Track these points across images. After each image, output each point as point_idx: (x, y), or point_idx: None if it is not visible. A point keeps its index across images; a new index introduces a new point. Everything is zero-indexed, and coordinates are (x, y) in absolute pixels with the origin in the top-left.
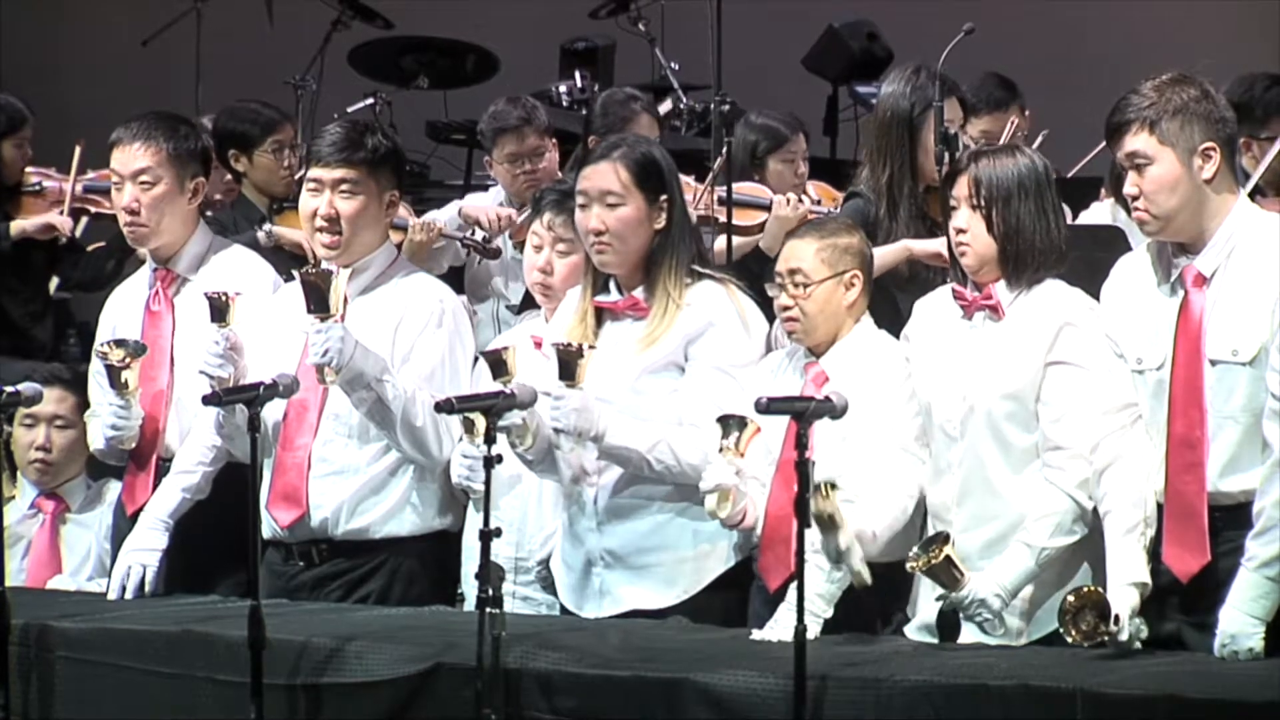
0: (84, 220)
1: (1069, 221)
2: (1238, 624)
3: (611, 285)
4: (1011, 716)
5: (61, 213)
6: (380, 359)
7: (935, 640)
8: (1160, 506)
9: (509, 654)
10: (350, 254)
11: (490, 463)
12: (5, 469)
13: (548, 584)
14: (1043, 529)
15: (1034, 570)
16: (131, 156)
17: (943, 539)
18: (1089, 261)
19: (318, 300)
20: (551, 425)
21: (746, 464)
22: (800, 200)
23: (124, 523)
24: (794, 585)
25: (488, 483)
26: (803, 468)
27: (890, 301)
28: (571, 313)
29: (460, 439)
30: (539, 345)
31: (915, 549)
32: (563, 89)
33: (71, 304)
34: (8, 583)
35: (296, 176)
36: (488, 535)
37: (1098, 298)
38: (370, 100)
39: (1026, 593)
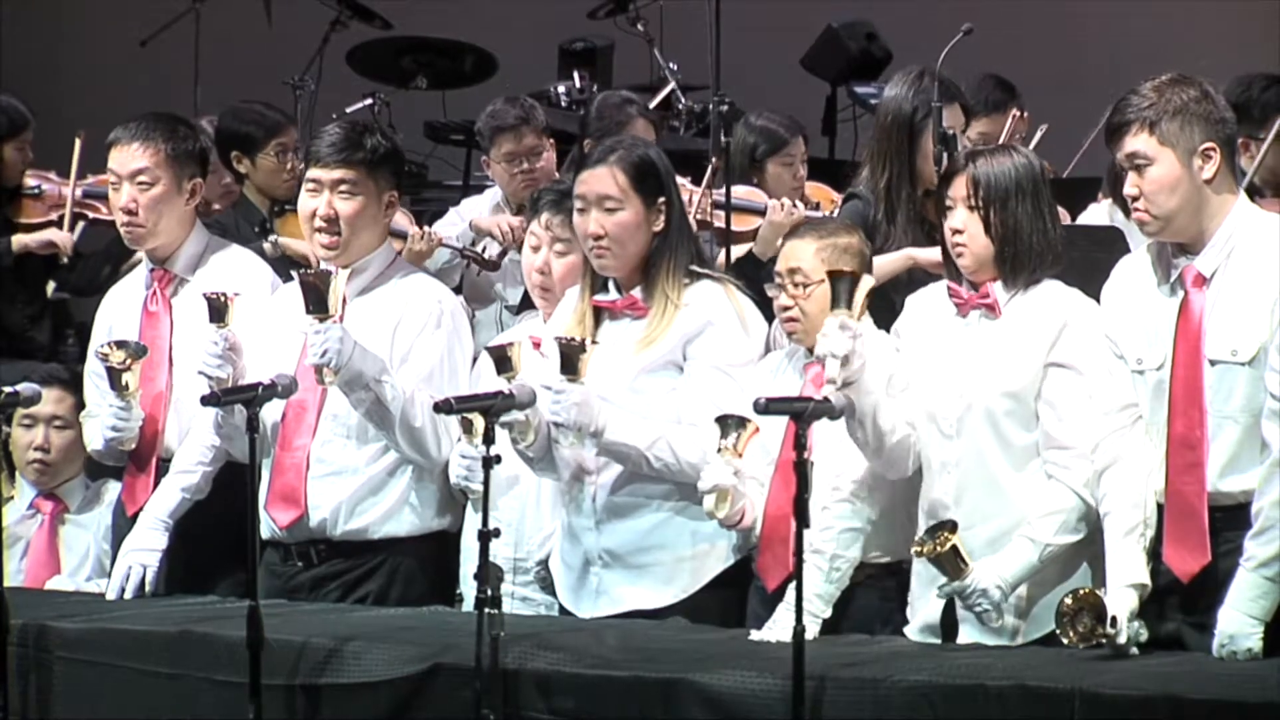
0: (81, 225)
1: (1068, 222)
2: (1236, 624)
3: (610, 285)
4: (1010, 717)
5: (62, 217)
6: (379, 359)
7: (938, 641)
8: (1160, 507)
9: (507, 654)
10: (349, 254)
11: (489, 463)
12: (4, 469)
13: (546, 584)
14: (1048, 525)
15: (1036, 565)
16: (129, 157)
17: (949, 527)
18: (1088, 262)
19: (316, 301)
20: (551, 419)
21: (745, 464)
22: (795, 206)
23: (124, 523)
24: (793, 585)
25: (486, 483)
26: (802, 468)
27: (888, 303)
28: (570, 313)
29: (459, 439)
30: (537, 346)
31: (921, 535)
32: (561, 89)
33: (70, 305)
34: (6, 583)
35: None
36: (486, 536)
37: (1097, 298)
38: (369, 100)
39: (1023, 590)
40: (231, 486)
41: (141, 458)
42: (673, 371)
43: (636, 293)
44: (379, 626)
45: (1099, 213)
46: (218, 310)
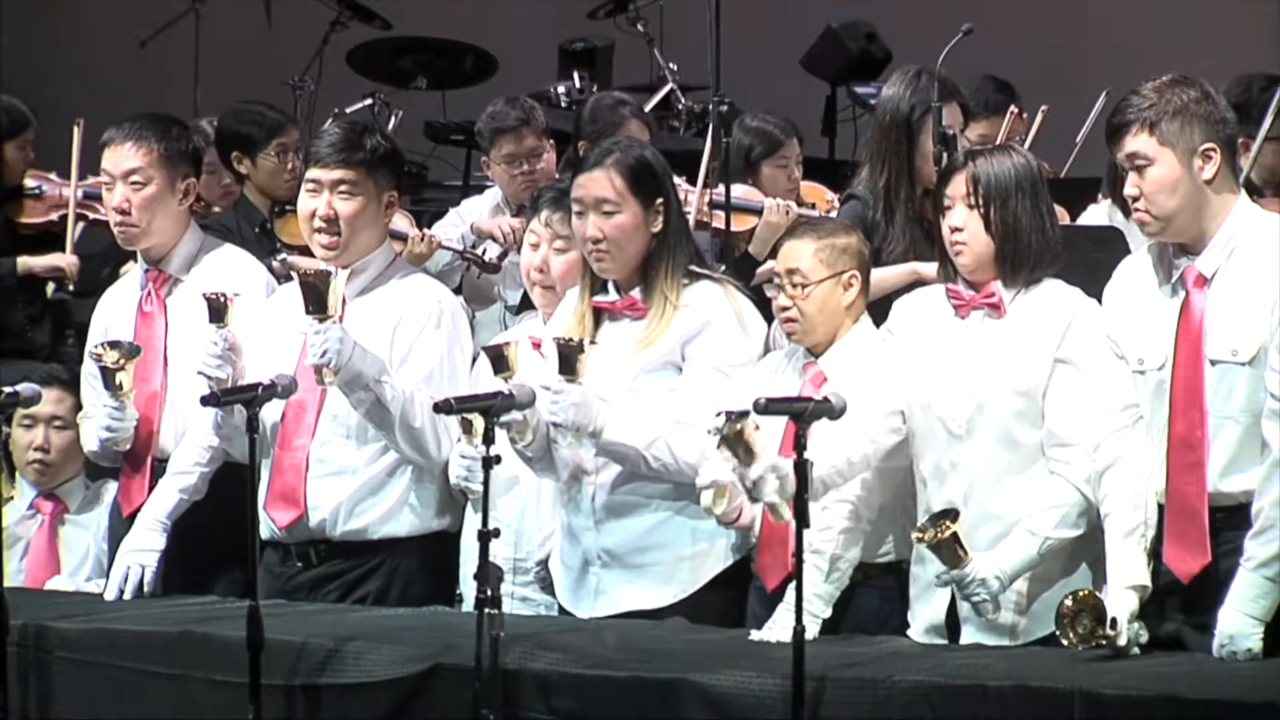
0: (81, 225)
1: (1068, 223)
2: (1236, 624)
3: (609, 286)
4: (1010, 717)
5: (63, 217)
6: (379, 360)
7: (945, 641)
8: (1161, 507)
9: (507, 654)
10: (349, 255)
11: (489, 463)
12: (4, 470)
13: (546, 584)
14: (1048, 519)
15: (1035, 559)
16: (122, 157)
17: (952, 515)
18: (1088, 262)
19: (316, 301)
20: (549, 419)
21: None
22: (790, 207)
23: (120, 524)
24: (792, 585)
25: (486, 483)
26: (802, 468)
27: (887, 304)
28: (569, 314)
29: (458, 440)
30: (537, 346)
31: (923, 522)
32: (561, 90)
33: (70, 305)
34: (6, 583)
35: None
36: (486, 536)
37: (1097, 298)
38: (369, 100)
39: (1024, 589)
40: (229, 486)
41: (137, 458)
42: (671, 372)
43: (636, 293)
44: (379, 627)
45: (1099, 213)
46: (217, 310)
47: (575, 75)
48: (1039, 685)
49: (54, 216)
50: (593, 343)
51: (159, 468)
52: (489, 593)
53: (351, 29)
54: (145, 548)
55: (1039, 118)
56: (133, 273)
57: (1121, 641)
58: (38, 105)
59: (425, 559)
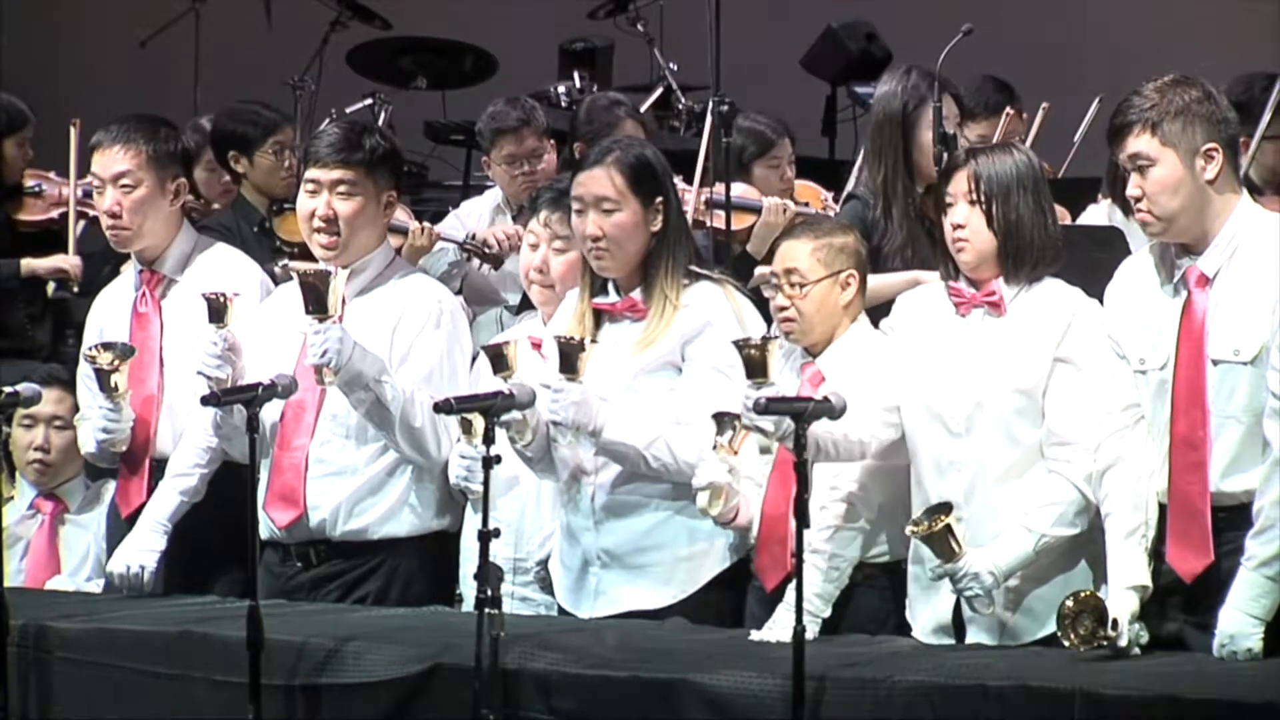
0: (82, 224)
1: (1069, 223)
2: (1237, 624)
3: (609, 286)
4: (1010, 717)
5: (64, 215)
6: (378, 360)
7: (952, 641)
8: (1163, 507)
9: (507, 654)
10: (348, 255)
11: (489, 463)
12: (4, 470)
13: (546, 585)
14: (1045, 516)
15: (1030, 556)
16: (111, 160)
17: (946, 509)
18: (1088, 262)
19: (316, 301)
20: (550, 418)
21: (740, 462)
22: (789, 205)
23: (117, 525)
24: (792, 585)
25: (486, 483)
26: (802, 468)
27: (885, 309)
28: (570, 315)
29: (458, 440)
30: (536, 347)
31: (917, 515)
32: (561, 90)
33: (70, 305)
34: (6, 583)
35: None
36: (486, 536)
37: (1097, 298)
38: (369, 100)
39: (1025, 589)
40: (229, 487)
41: (134, 460)
42: (671, 372)
43: (636, 294)
44: (379, 627)
45: (1098, 213)
46: (217, 311)
47: (575, 75)
48: (1039, 685)
49: (54, 214)
50: (594, 341)
51: (156, 468)
52: (489, 593)
53: (351, 29)
54: (144, 548)
55: (1039, 115)
56: (127, 274)
57: (1122, 642)
58: (38, 105)
59: (425, 559)
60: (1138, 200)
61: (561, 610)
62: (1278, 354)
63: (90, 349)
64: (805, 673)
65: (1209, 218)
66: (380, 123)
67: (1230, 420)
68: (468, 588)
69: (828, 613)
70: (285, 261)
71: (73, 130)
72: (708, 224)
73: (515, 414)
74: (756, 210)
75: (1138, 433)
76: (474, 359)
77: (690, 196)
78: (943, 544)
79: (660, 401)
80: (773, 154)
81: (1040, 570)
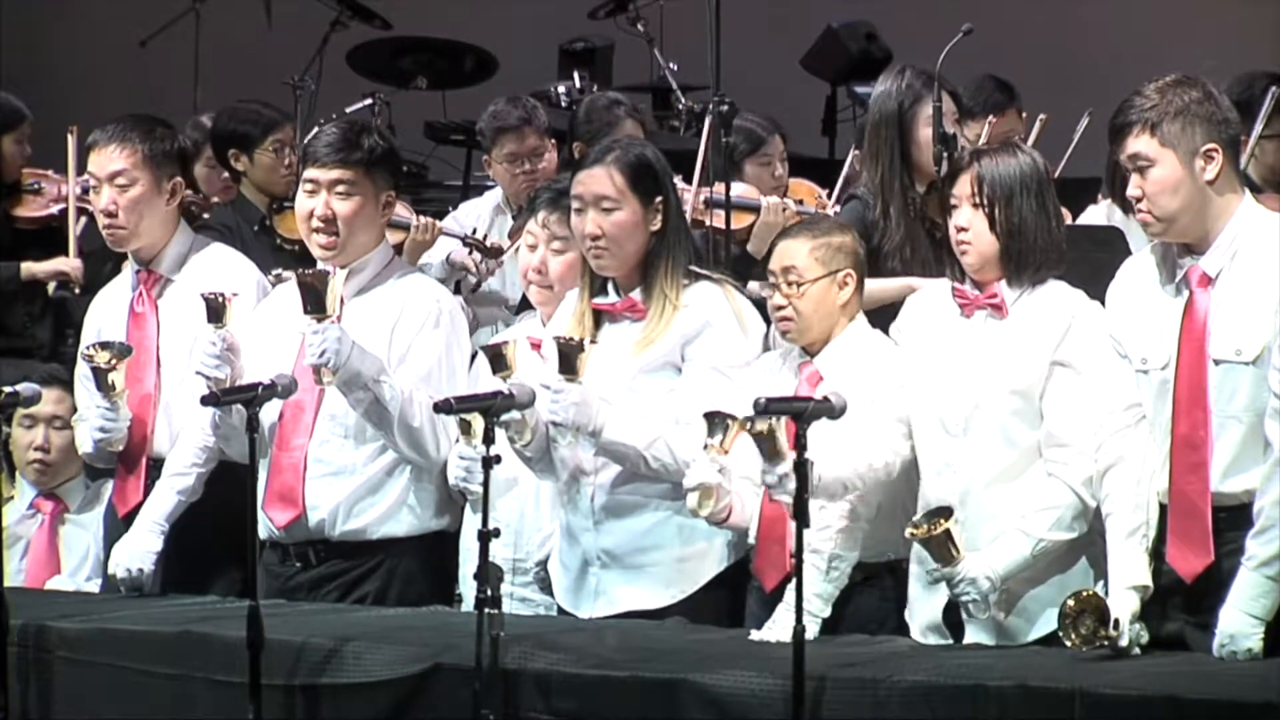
0: (83, 221)
1: (1069, 223)
2: (1237, 624)
3: (609, 287)
4: (1009, 717)
5: (63, 212)
6: (377, 360)
7: (948, 641)
8: (1164, 507)
9: (507, 654)
10: (347, 255)
11: (489, 463)
12: (4, 469)
13: (545, 585)
14: (1043, 520)
15: (1028, 560)
16: (107, 159)
17: (945, 513)
18: (1089, 262)
19: (314, 301)
20: (549, 418)
21: (731, 461)
22: (789, 205)
23: (115, 525)
24: (792, 585)
25: (486, 483)
26: (802, 468)
27: (885, 314)
28: (570, 315)
29: (457, 440)
30: (535, 347)
31: (917, 518)
32: (561, 89)
33: (70, 304)
34: (6, 583)
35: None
36: (486, 536)
37: (1098, 298)
38: (369, 100)
39: (1026, 589)
40: (225, 486)
41: (131, 459)
42: (671, 372)
43: (636, 295)
44: (379, 626)
45: (1098, 213)
46: (215, 311)
47: (575, 75)
48: (1039, 685)
49: (54, 210)
50: (593, 341)
51: (154, 468)
52: (489, 593)
53: (351, 29)
54: (143, 549)
55: (1037, 126)
56: (124, 274)
57: (1123, 642)
58: (37, 105)
59: (424, 559)
60: (1138, 200)
61: (561, 610)
62: (1279, 354)
63: (87, 348)
64: (805, 673)
65: (1210, 218)
66: (377, 122)
67: (1231, 420)
68: (467, 588)
69: (827, 612)
70: (278, 271)
71: (70, 137)
72: (707, 223)
73: (514, 414)
74: (756, 209)
75: (1139, 433)
76: (473, 358)
77: (690, 196)
78: (941, 548)
79: (660, 401)
80: (764, 151)
81: (1037, 571)
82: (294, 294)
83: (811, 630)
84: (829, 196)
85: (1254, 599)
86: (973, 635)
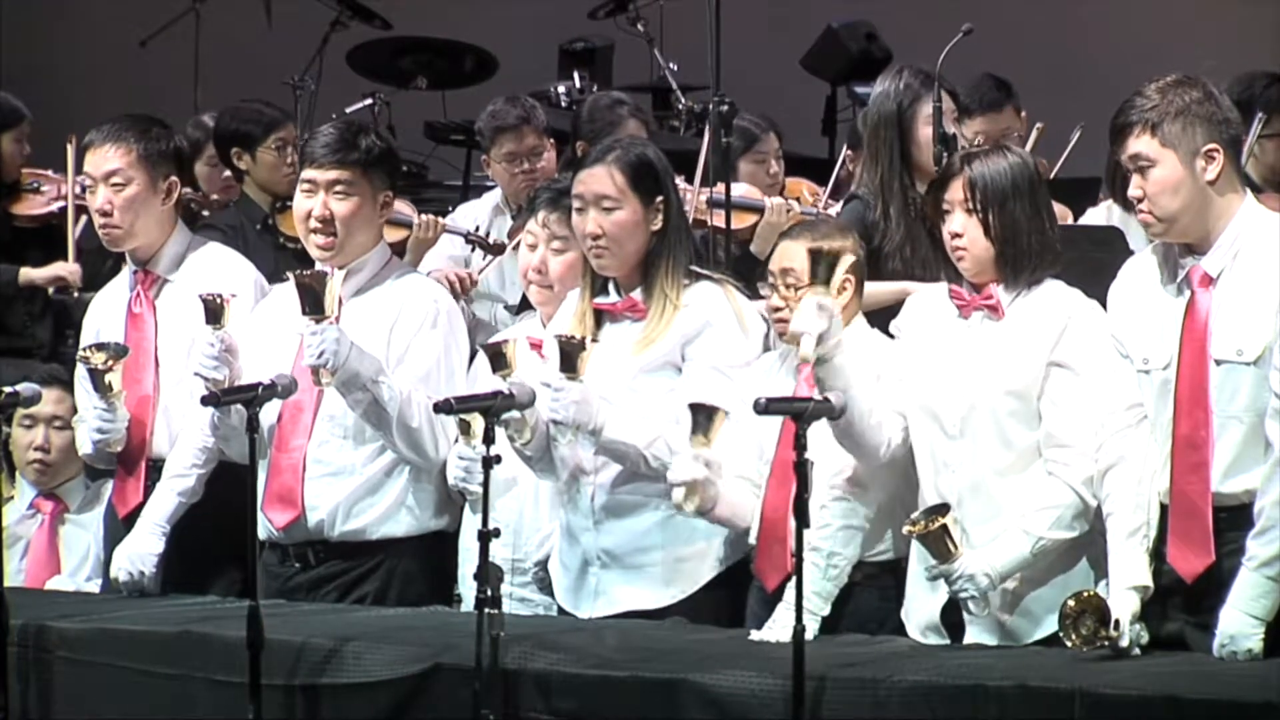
0: (83, 220)
1: (1071, 223)
2: (1237, 624)
3: (610, 287)
4: (1009, 717)
5: (63, 210)
6: (375, 360)
7: (945, 641)
8: (1164, 507)
9: (507, 654)
10: (344, 255)
11: (489, 463)
12: (4, 470)
13: (544, 585)
14: (1043, 519)
15: (1027, 558)
16: (102, 158)
17: (943, 510)
18: (1089, 262)
19: (312, 302)
20: (550, 417)
21: (715, 454)
22: (792, 206)
23: (115, 526)
24: (792, 584)
25: (486, 483)
26: (802, 468)
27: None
28: (571, 314)
29: (456, 440)
30: (535, 347)
31: (915, 515)
32: (561, 89)
33: (70, 304)
34: (6, 583)
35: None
36: (486, 536)
37: (1098, 298)
38: (369, 100)
39: (1026, 589)
40: (224, 487)
41: (131, 460)
42: (671, 372)
43: (636, 294)
44: (379, 627)
45: (1097, 214)
46: (213, 312)
47: (575, 75)
48: (1039, 685)
49: (54, 209)
50: (594, 340)
51: (153, 469)
52: (489, 592)
53: (351, 29)
54: (143, 551)
55: (1034, 135)
56: (122, 275)
57: (1124, 642)
58: (37, 105)
59: (423, 559)
60: (1139, 201)
61: (561, 610)
62: None
63: (84, 349)
64: (805, 673)
65: (1211, 218)
66: (376, 123)
67: (1233, 420)
68: (466, 588)
69: (827, 611)
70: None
71: (69, 148)
72: (709, 223)
73: (514, 413)
74: (759, 210)
75: (1140, 432)
76: (471, 358)
77: (691, 196)
78: (939, 544)
79: (660, 401)
80: (758, 149)
81: (1038, 571)
82: (292, 294)
83: (811, 629)
84: (825, 195)
85: (1254, 599)
86: (976, 635)
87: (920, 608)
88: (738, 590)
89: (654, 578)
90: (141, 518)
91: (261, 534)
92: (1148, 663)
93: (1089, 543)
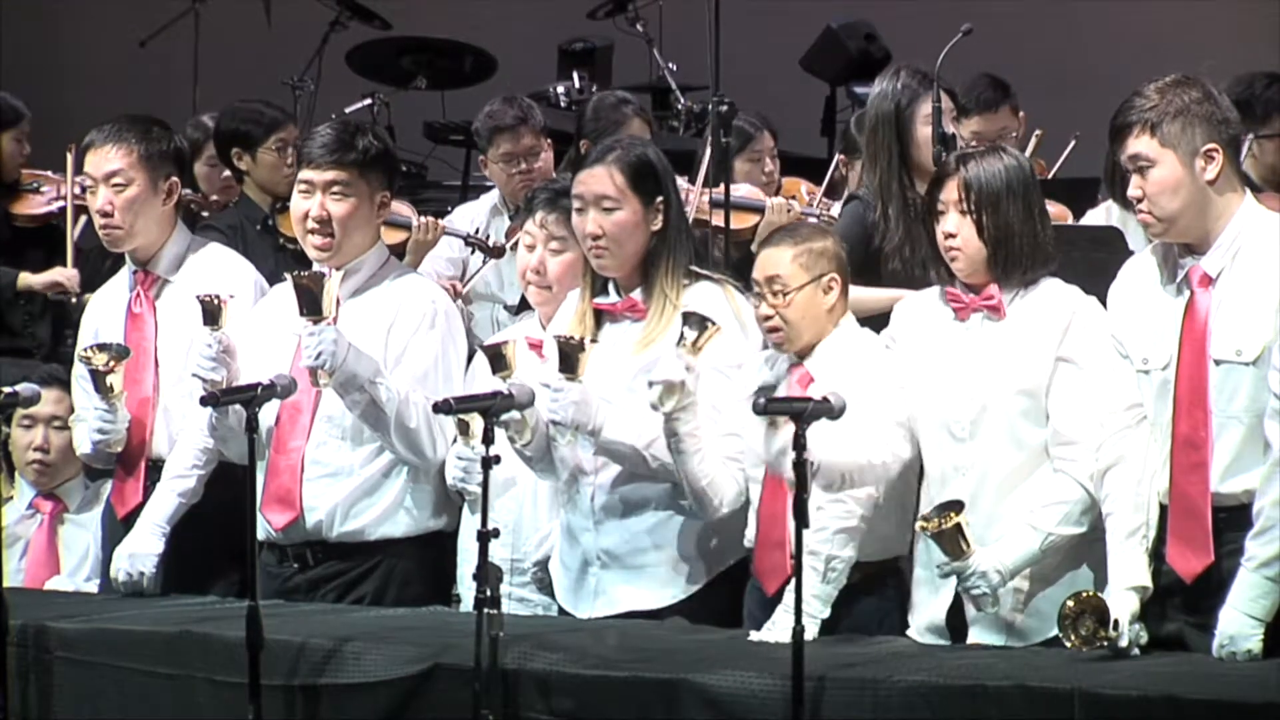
0: (83, 220)
1: (1071, 223)
2: (1236, 624)
3: (610, 287)
4: (1009, 717)
5: (62, 210)
6: (373, 361)
7: (947, 642)
8: (1164, 507)
9: (507, 655)
10: (342, 256)
11: (488, 463)
12: (3, 470)
13: (543, 585)
14: (1051, 515)
15: (1036, 554)
16: (103, 159)
17: (957, 507)
18: (1088, 262)
19: (310, 303)
20: (549, 417)
21: (698, 363)
22: (793, 206)
23: (114, 526)
24: (791, 585)
25: (485, 483)
26: (801, 468)
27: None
28: (571, 314)
29: (454, 441)
30: (534, 348)
31: (927, 512)
32: (560, 90)
33: (69, 304)
34: (6, 583)
35: None
36: (486, 536)
37: (1098, 298)
38: (369, 100)
39: (1028, 588)
40: (224, 487)
41: (130, 461)
42: None
43: (636, 295)
44: (378, 627)
45: (1097, 214)
46: (211, 313)
47: (575, 75)
48: (1038, 685)
49: (54, 209)
50: (594, 340)
51: (153, 469)
52: (488, 592)
53: (351, 29)
54: (144, 551)
55: (1033, 141)
56: (122, 275)
57: (1123, 643)
58: (37, 105)
59: (422, 559)
60: (1139, 201)
61: (561, 610)
62: (1279, 354)
63: (85, 350)
64: (805, 673)
65: (1211, 218)
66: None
67: (1232, 420)
68: (465, 588)
69: (826, 613)
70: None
71: (69, 156)
72: (710, 223)
73: (514, 413)
74: (761, 210)
75: (1140, 433)
76: (470, 358)
77: (693, 196)
78: (952, 542)
79: None
80: (753, 148)
81: (1047, 571)
82: (290, 295)
83: (811, 631)
84: (821, 194)
85: (1254, 600)
86: (982, 636)
87: (925, 609)
88: (737, 590)
89: (654, 578)
90: (141, 518)
91: (260, 535)
92: (1147, 663)
93: (1096, 541)
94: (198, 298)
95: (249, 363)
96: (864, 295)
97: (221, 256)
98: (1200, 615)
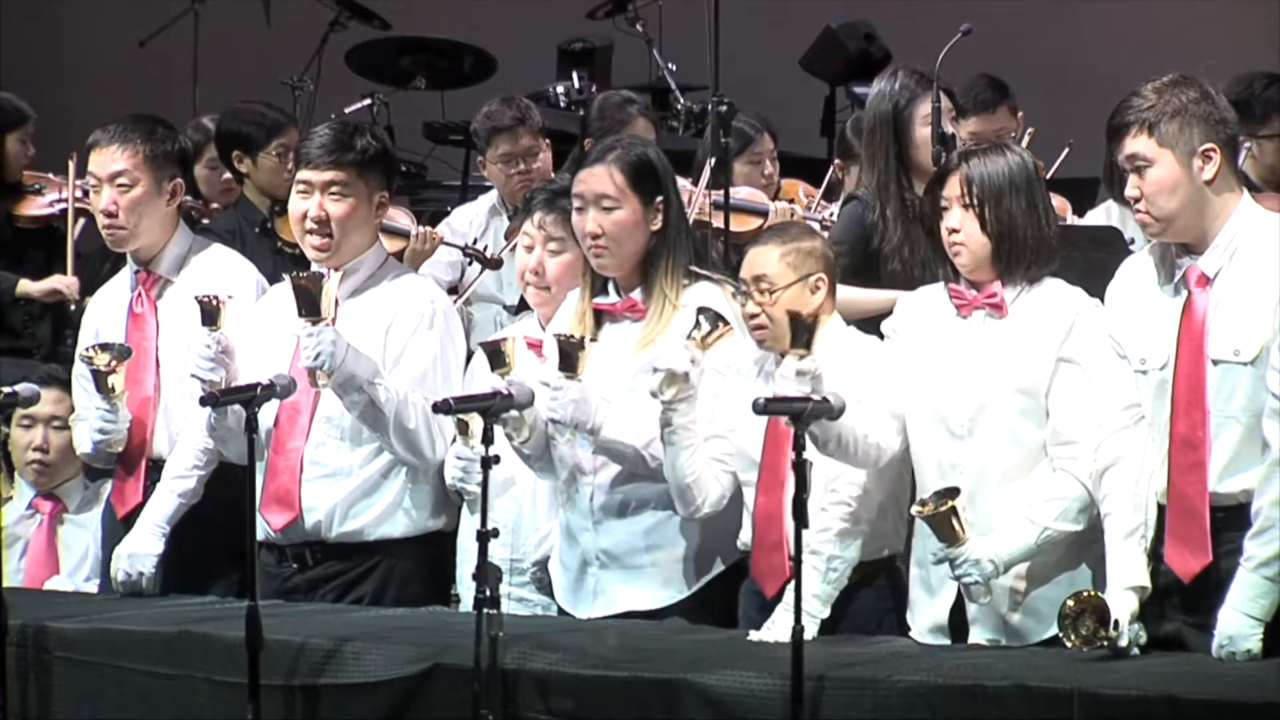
0: (82, 222)
1: (1070, 220)
2: (1236, 624)
3: (610, 287)
4: (1009, 717)
5: (64, 212)
6: (372, 361)
7: (948, 642)
8: (1161, 507)
9: (506, 655)
10: (340, 256)
11: (488, 463)
12: (3, 470)
13: (543, 585)
14: (1050, 510)
15: (1032, 548)
16: (108, 159)
17: (953, 493)
18: (1088, 262)
19: (309, 304)
20: (548, 416)
21: (704, 357)
22: (795, 210)
23: (114, 526)
24: (791, 585)
25: (485, 483)
26: (800, 468)
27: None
28: (570, 314)
29: (453, 440)
30: (534, 348)
31: (924, 498)
32: (560, 90)
33: (68, 304)
34: (5, 583)
35: None
36: (485, 536)
37: (1098, 298)
38: (369, 100)
39: (1028, 587)
40: (223, 487)
41: (130, 461)
42: None
43: (636, 295)
44: (378, 627)
45: (1097, 214)
46: (210, 313)
47: (574, 75)
48: (1038, 685)
49: (56, 210)
50: (593, 339)
51: (153, 469)
52: (488, 592)
53: (351, 29)
54: (144, 551)
55: (1025, 139)
56: (123, 275)
57: (1123, 643)
58: (38, 105)
59: (421, 559)
60: (1136, 201)
61: (561, 610)
62: (1278, 354)
63: (87, 350)
64: (804, 673)
65: (1208, 218)
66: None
67: (1230, 420)
68: (465, 588)
69: (826, 613)
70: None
71: (70, 164)
72: (711, 225)
73: (513, 412)
74: (763, 214)
75: (1138, 433)
76: (469, 358)
77: (694, 197)
78: (946, 527)
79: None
80: (753, 150)
81: (1045, 570)
82: (289, 296)
83: (810, 631)
84: (819, 196)
85: (1252, 600)
86: (981, 636)
87: (926, 609)
88: (736, 591)
89: (653, 578)
90: (141, 518)
91: (259, 535)
92: (1147, 663)
93: (1094, 541)
94: (196, 298)
95: (248, 363)
96: (862, 296)
97: (224, 257)
98: (1199, 615)
